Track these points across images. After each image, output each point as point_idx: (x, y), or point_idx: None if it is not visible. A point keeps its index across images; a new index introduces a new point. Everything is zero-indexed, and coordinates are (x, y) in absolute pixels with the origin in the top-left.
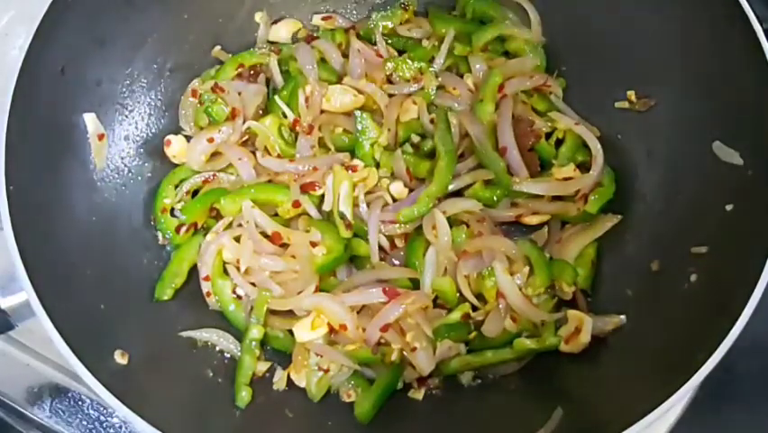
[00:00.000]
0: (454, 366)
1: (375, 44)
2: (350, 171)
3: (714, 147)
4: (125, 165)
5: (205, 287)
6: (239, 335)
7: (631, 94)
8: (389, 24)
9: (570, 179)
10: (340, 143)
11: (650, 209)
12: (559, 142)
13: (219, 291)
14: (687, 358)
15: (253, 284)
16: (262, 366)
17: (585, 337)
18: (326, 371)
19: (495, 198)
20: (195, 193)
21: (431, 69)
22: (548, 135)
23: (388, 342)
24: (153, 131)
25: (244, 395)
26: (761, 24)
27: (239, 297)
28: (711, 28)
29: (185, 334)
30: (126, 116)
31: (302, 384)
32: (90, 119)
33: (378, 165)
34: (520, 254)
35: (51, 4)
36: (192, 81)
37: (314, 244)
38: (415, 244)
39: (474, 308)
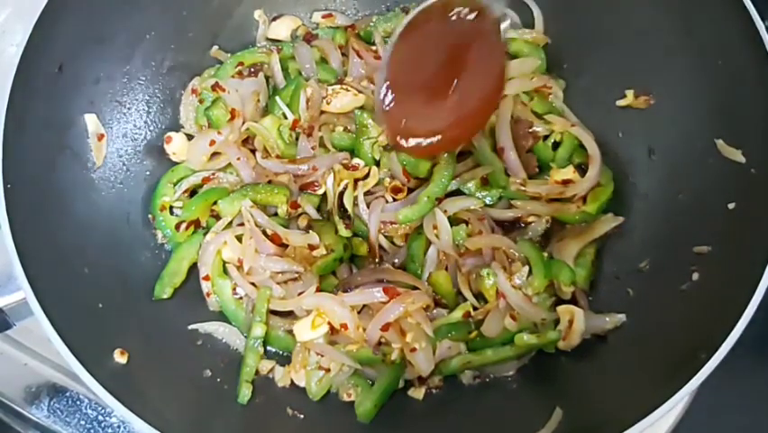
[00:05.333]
0: (455, 366)
1: (374, 45)
2: (350, 171)
3: (716, 145)
4: (124, 163)
5: (205, 287)
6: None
7: (632, 92)
8: (390, 27)
9: (568, 181)
10: (340, 143)
11: (651, 208)
12: (557, 144)
13: (219, 291)
14: (688, 358)
15: (254, 284)
16: (265, 365)
17: (579, 326)
18: (327, 370)
19: (491, 199)
20: (193, 192)
21: None
22: (546, 137)
23: (388, 341)
24: (152, 129)
25: (246, 392)
26: (763, 21)
27: (239, 297)
28: (713, 25)
29: (191, 326)
30: (125, 114)
31: (302, 384)
32: (91, 119)
33: (378, 164)
34: (519, 254)
35: (49, 1)
36: (191, 79)
37: (312, 248)
38: (415, 244)
39: (474, 308)
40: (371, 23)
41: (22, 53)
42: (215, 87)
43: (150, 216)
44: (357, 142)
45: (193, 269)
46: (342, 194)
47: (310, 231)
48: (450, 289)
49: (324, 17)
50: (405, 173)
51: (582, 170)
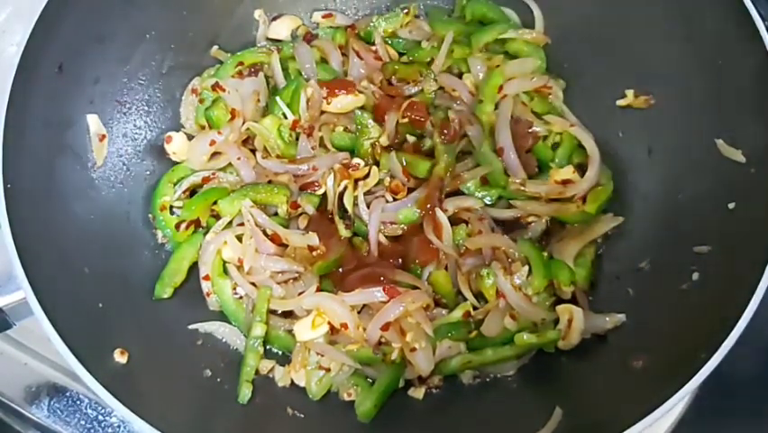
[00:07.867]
0: (455, 365)
1: (374, 45)
2: (350, 171)
3: (716, 145)
4: (124, 163)
5: (206, 287)
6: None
7: (632, 91)
8: (390, 27)
9: (568, 181)
10: (340, 143)
11: (651, 208)
12: (557, 144)
13: (219, 291)
14: (688, 357)
15: (254, 284)
16: (265, 365)
17: (578, 325)
18: (327, 370)
19: (490, 199)
20: (193, 192)
21: (430, 72)
22: (546, 137)
23: (388, 341)
24: (152, 129)
25: (246, 392)
26: (763, 22)
27: (239, 297)
28: (713, 25)
29: (191, 326)
30: (125, 114)
31: (302, 383)
32: (93, 120)
33: (378, 164)
34: (519, 253)
35: (49, 1)
36: (192, 79)
37: (312, 249)
38: None
39: (474, 308)
40: (371, 23)
41: (22, 53)
42: (216, 86)
43: (150, 215)
44: (357, 142)
45: (193, 268)
46: (342, 194)
47: (309, 231)
48: (450, 288)
49: (324, 17)
50: (405, 173)
51: (582, 169)
